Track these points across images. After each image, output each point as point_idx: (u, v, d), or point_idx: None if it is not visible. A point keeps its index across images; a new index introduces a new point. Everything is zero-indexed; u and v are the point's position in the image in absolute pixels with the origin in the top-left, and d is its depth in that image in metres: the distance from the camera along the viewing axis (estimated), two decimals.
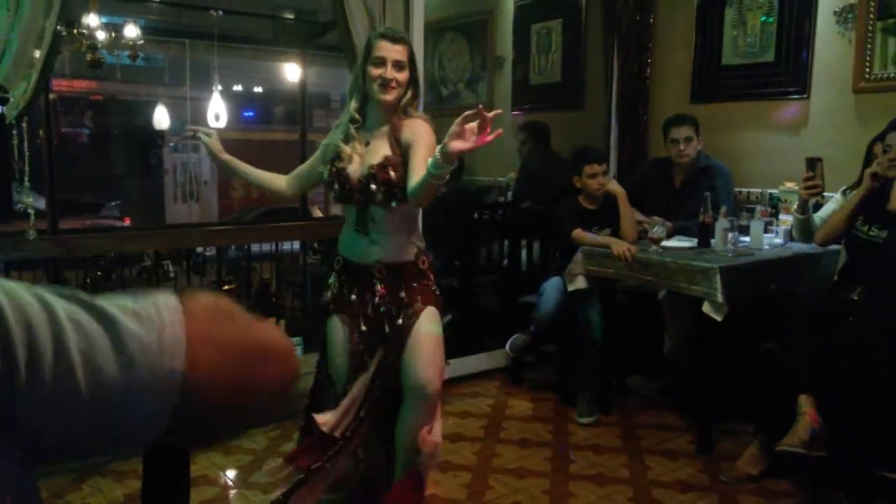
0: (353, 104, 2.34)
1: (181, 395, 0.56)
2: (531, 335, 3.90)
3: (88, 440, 0.58)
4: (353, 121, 2.35)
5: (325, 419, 2.32)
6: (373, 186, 2.25)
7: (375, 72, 2.26)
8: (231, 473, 3.07)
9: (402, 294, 2.31)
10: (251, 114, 11.98)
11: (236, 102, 10.66)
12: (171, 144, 11.17)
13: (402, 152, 2.25)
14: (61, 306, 0.54)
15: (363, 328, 2.35)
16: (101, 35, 5.83)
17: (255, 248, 4.81)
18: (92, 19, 5.68)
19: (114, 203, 9.88)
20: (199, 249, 6.53)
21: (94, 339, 0.54)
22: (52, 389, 0.52)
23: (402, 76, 2.28)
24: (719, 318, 3.04)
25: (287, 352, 0.66)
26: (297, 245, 4.86)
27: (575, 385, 3.73)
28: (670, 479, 2.98)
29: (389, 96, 2.27)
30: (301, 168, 2.58)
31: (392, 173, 2.24)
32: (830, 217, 3.13)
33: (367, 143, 2.32)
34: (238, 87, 11.31)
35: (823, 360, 2.77)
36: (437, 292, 2.39)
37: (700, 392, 3.34)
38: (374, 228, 2.32)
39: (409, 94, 2.32)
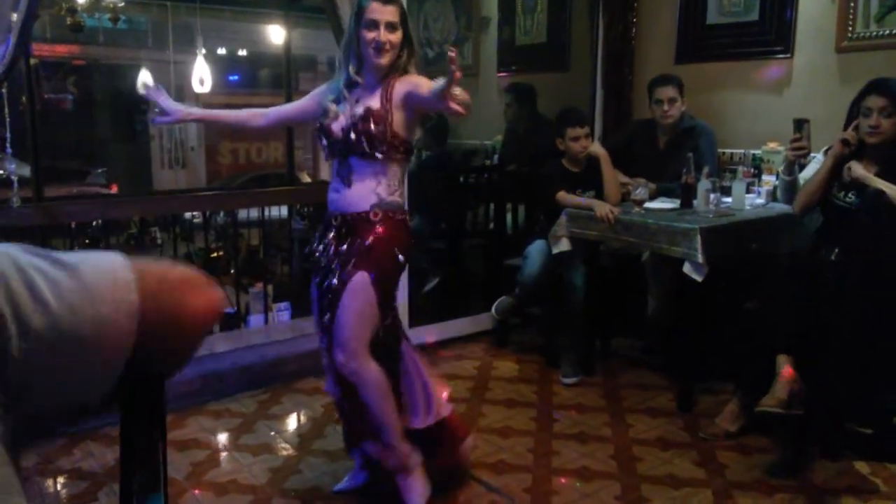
0: (353, 69, 2.33)
1: (139, 322, 0.64)
2: (516, 298, 3.94)
3: (71, 376, 0.63)
4: (350, 84, 2.35)
5: None
6: (352, 136, 2.27)
7: (369, 35, 2.25)
8: (222, 437, 3.11)
9: (344, 249, 2.31)
10: (236, 78, 11.81)
11: (221, 66, 10.50)
12: (157, 110, 11.02)
13: (401, 106, 2.25)
14: (25, 259, 0.60)
15: (318, 279, 2.40)
16: None
17: (242, 214, 4.81)
18: None
19: (100, 170, 9.75)
20: (187, 216, 6.51)
21: (61, 282, 0.60)
22: (37, 331, 0.57)
23: (396, 37, 2.28)
24: (699, 279, 3.07)
25: (209, 282, 0.76)
26: (284, 211, 4.86)
27: (559, 346, 3.78)
28: (651, 436, 3.04)
29: (384, 60, 2.27)
30: (287, 105, 2.62)
31: (372, 126, 2.25)
32: (805, 185, 3.13)
33: (357, 101, 2.33)
34: (222, 51, 11.13)
35: (802, 319, 2.82)
36: (379, 250, 2.27)
37: (681, 352, 3.40)
38: (348, 179, 2.32)
39: (405, 54, 2.32)
